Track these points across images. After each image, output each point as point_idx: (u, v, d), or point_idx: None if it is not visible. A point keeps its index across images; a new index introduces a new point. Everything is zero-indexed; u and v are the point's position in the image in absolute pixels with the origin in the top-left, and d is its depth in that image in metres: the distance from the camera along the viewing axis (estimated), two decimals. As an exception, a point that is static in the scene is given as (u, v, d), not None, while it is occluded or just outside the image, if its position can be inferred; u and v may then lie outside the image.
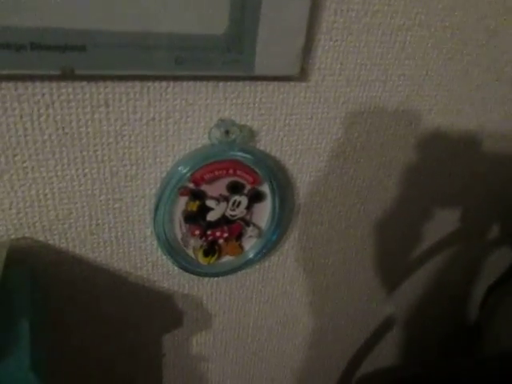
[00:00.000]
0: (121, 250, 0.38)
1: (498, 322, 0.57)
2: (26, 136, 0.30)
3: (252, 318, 0.50)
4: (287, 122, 0.38)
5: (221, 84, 0.34)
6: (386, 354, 0.65)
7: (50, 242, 0.35)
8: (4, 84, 0.28)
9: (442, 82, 0.42)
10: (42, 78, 0.29)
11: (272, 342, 0.54)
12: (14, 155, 0.31)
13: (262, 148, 0.38)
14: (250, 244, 0.41)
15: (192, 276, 0.42)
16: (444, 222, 0.53)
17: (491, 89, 0.45)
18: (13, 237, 0.34)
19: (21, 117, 0.29)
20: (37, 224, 0.34)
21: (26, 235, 0.34)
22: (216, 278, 0.44)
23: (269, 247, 0.42)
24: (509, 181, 0.53)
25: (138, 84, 0.31)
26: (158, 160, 0.35)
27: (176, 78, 0.32)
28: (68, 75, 0.28)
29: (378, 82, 0.39)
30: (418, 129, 0.44)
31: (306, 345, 0.57)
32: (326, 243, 0.48)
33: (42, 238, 0.35)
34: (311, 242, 0.47)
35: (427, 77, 0.41)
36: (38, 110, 0.30)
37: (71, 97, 0.30)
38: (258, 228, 0.40)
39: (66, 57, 0.27)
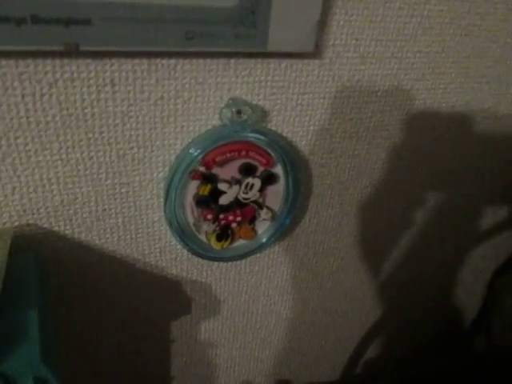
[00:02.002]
0: (128, 236, 0.37)
1: (507, 305, 0.56)
2: (28, 117, 0.29)
3: (261, 304, 0.49)
4: (299, 101, 0.36)
5: (232, 61, 0.32)
6: (394, 337, 0.64)
7: (55, 228, 0.34)
8: (4, 61, 0.26)
9: (459, 59, 0.40)
10: (45, 55, 0.27)
11: (280, 328, 0.53)
12: (16, 138, 0.29)
13: (273, 128, 0.37)
14: (264, 227, 0.40)
15: (200, 261, 0.41)
16: (454, 205, 0.52)
17: (508, 66, 0.43)
18: (16, 223, 0.32)
19: (22, 97, 0.28)
20: (41, 210, 0.33)
21: (30, 221, 0.33)
22: (225, 264, 0.43)
23: (282, 230, 0.41)
24: None
25: (145, 61, 0.30)
26: (166, 142, 0.33)
27: (185, 55, 0.30)
28: (72, 51, 0.27)
29: (393, 58, 0.37)
30: (433, 108, 0.42)
31: (314, 329, 0.56)
32: (336, 226, 0.47)
33: (46, 225, 0.33)
34: (322, 225, 0.45)
35: (443, 54, 0.39)
36: (41, 90, 0.28)
37: (75, 75, 0.28)
38: (272, 211, 0.39)
39: (69, 31, 0.25)
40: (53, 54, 0.27)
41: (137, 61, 0.29)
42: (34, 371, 0.25)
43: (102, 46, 0.27)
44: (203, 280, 0.43)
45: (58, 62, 0.27)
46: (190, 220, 0.36)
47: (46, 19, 0.25)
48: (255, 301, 0.48)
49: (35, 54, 0.27)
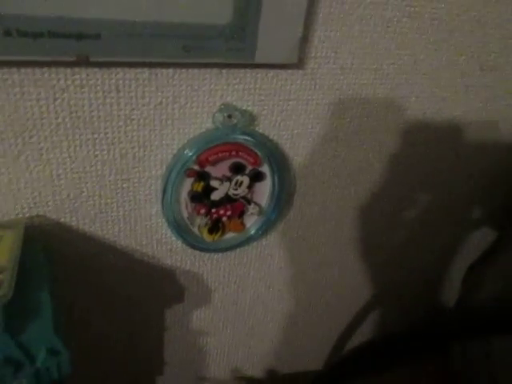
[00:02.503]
0: (128, 228, 0.40)
1: (482, 296, 0.60)
2: (42, 119, 0.32)
3: (249, 294, 0.53)
4: (285, 107, 0.40)
5: (224, 71, 0.36)
6: (376, 327, 0.68)
7: (62, 219, 0.37)
8: (23, 69, 0.30)
9: (430, 71, 0.44)
10: (58, 64, 0.30)
11: (267, 318, 0.57)
12: (31, 137, 0.33)
13: (261, 131, 0.40)
14: (252, 221, 0.44)
15: (194, 253, 0.44)
16: (428, 203, 0.56)
17: (474, 77, 0.48)
18: (27, 215, 0.36)
19: (37, 100, 0.31)
20: (50, 203, 0.36)
21: (40, 213, 0.36)
22: (216, 255, 0.46)
23: (268, 224, 0.45)
24: (490, 164, 0.56)
25: (146, 70, 0.33)
26: (164, 143, 0.37)
27: (182, 65, 0.34)
28: (83, 62, 0.30)
29: (369, 70, 0.41)
30: (406, 115, 0.46)
31: (300, 320, 0.60)
32: (319, 223, 0.50)
33: (54, 216, 0.37)
34: (306, 221, 0.49)
35: (415, 65, 0.43)
36: (54, 95, 0.32)
37: (84, 82, 0.32)
38: (259, 206, 0.43)
39: (81, 44, 0.29)
40: (65, 64, 0.30)
41: (139, 70, 0.33)
42: (48, 343, 0.29)
43: (109, 57, 0.31)
44: (196, 270, 0.47)
45: (69, 70, 0.31)
46: (185, 214, 0.40)
47: (61, 34, 0.28)
48: (244, 291, 0.52)
49: (50, 64, 0.30)
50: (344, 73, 0.41)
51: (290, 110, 0.40)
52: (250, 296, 0.53)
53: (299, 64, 0.38)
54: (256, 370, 0.62)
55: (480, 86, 0.49)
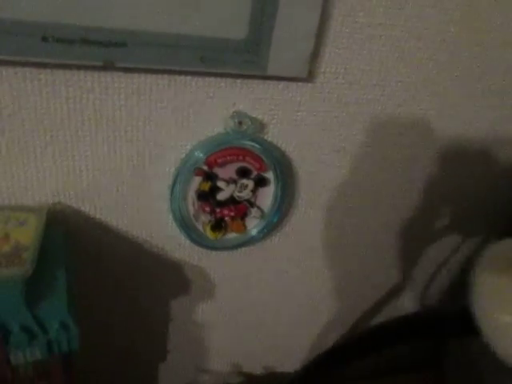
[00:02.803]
0: (140, 221, 0.43)
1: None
2: (69, 116, 0.36)
3: (251, 294, 0.55)
4: (293, 117, 0.42)
5: (238, 81, 0.38)
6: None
7: (81, 208, 0.40)
8: (55, 71, 0.33)
9: (436, 90, 0.46)
10: (87, 68, 0.34)
11: (268, 317, 0.59)
12: (58, 131, 0.36)
13: (270, 139, 0.43)
14: (253, 224, 0.47)
15: (200, 249, 0.47)
16: (433, 216, 0.58)
17: (481, 97, 0.49)
18: (50, 202, 0.39)
19: (66, 99, 0.35)
20: (71, 192, 0.39)
21: (62, 201, 0.39)
22: (221, 253, 0.49)
23: (269, 228, 0.47)
24: (495, 182, 0.57)
25: (166, 77, 0.36)
26: (178, 143, 0.40)
27: (199, 74, 0.37)
28: (109, 66, 0.33)
29: (377, 86, 0.44)
30: (413, 130, 0.48)
31: (300, 322, 0.62)
32: (323, 229, 0.53)
33: (74, 205, 0.40)
34: (310, 226, 0.52)
35: (422, 84, 0.45)
36: (81, 95, 0.35)
37: (109, 85, 0.35)
38: (261, 210, 0.46)
39: (108, 51, 0.32)
40: (93, 68, 0.34)
41: (159, 76, 0.36)
42: (60, 318, 0.32)
43: (132, 63, 0.34)
44: (202, 266, 0.49)
45: (96, 74, 0.34)
46: (191, 211, 0.43)
47: (92, 41, 0.32)
48: (247, 290, 0.54)
49: (79, 67, 0.33)
50: (352, 88, 0.43)
51: (298, 121, 0.43)
52: (253, 295, 0.55)
53: (309, 78, 0.40)
54: (255, 367, 0.65)
55: (487, 106, 0.50)
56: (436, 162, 0.52)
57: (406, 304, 0.66)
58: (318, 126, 0.44)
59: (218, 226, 0.45)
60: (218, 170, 0.41)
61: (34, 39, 0.30)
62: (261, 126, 0.42)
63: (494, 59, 0.47)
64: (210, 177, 0.41)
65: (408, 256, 0.61)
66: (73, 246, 0.41)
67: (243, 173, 0.43)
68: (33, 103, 0.34)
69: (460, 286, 0.68)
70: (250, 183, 0.43)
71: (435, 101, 0.47)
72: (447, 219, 0.59)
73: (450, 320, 0.19)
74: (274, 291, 0.56)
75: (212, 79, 0.38)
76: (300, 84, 0.41)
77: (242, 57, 0.36)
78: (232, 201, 0.44)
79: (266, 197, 0.45)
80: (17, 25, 0.29)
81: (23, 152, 0.36)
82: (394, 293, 0.64)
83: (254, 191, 0.44)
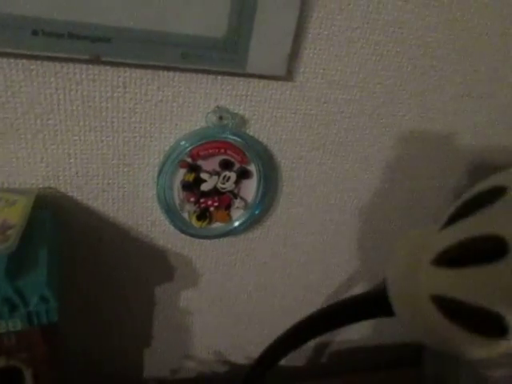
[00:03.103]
0: (126, 208, 0.46)
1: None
2: (58, 105, 0.38)
3: (234, 283, 0.57)
4: (274, 114, 0.44)
5: (219, 77, 0.41)
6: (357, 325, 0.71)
7: (69, 193, 0.43)
8: (45, 63, 0.36)
9: (415, 93, 0.48)
10: (75, 61, 0.36)
11: (251, 306, 0.61)
12: (48, 119, 0.38)
13: (251, 134, 0.45)
14: (237, 215, 0.49)
15: (185, 237, 0.49)
16: (412, 217, 0.59)
17: (463, 102, 0.51)
18: (41, 186, 0.42)
19: (56, 89, 0.37)
20: (60, 177, 0.42)
21: (51, 185, 0.42)
22: (205, 242, 0.51)
23: (252, 220, 0.49)
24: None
25: (150, 71, 0.39)
26: (162, 135, 0.42)
27: (181, 70, 0.39)
28: (95, 60, 0.36)
29: (356, 87, 0.45)
30: (393, 131, 0.50)
31: (283, 314, 0.64)
32: (304, 224, 0.54)
33: (63, 190, 0.43)
34: (291, 221, 0.54)
35: (401, 87, 0.47)
36: (70, 86, 0.37)
37: (96, 77, 0.38)
38: (245, 201, 0.48)
39: (94, 46, 0.35)
40: (81, 61, 0.36)
41: (143, 70, 0.38)
42: (40, 291, 0.34)
43: (117, 58, 0.36)
44: (185, 253, 0.52)
45: (84, 66, 0.37)
46: (176, 200, 0.45)
47: (79, 36, 0.34)
48: (230, 280, 0.56)
49: (68, 60, 0.36)
50: (331, 88, 0.45)
51: (278, 117, 0.45)
52: (236, 285, 0.57)
53: (288, 76, 0.42)
54: (238, 357, 0.67)
55: (469, 111, 0.52)
56: (417, 162, 0.53)
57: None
58: (298, 124, 0.46)
59: (203, 215, 0.47)
60: (201, 162, 0.44)
61: (24, 32, 0.33)
62: (242, 121, 0.44)
63: (474, 63, 0.48)
64: (193, 168, 0.44)
65: (389, 253, 0.62)
66: (60, 228, 0.43)
67: (226, 165, 0.45)
68: (25, 92, 0.37)
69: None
70: (233, 175, 0.46)
71: (415, 103, 0.49)
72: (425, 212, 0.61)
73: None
74: (256, 282, 0.58)
75: (194, 75, 0.40)
76: (280, 82, 0.43)
77: (221, 54, 0.38)
78: (216, 192, 0.46)
79: (249, 189, 0.47)
80: (8, 18, 0.32)
81: (15, 138, 0.39)
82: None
83: (237, 183, 0.46)
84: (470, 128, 0.53)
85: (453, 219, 0.18)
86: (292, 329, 0.32)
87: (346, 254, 0.60)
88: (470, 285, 0.16)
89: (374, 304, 0.24)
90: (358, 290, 0.65)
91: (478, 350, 0.17)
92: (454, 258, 0.17)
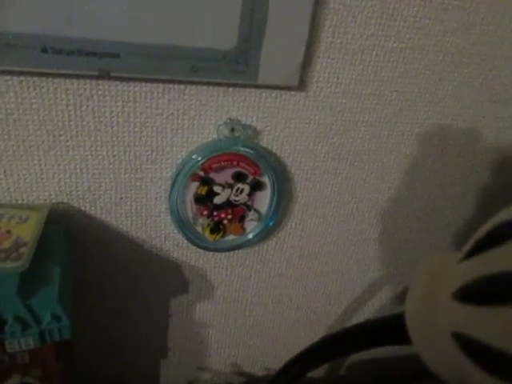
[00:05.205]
0: (139, 221, 0.46)
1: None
2: (69, 121, 0.38)
3: (249, 295, 0.56)
4: (287, 124, 0.43)
5: (230, 89, 0.40)
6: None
7: (82, 208, 0.43)
8: (56, 79, 0.36)
9: (434, 100, 0.46)
10: (85, 77, 0.36)
11: (267, 319, 0.60)
12: (60, 135, 0.38)
13: (264, 145, 0.44)
14: (251, 226, 0.48)
15: (198, 250, 0.48)
16: (432, 226, 0.58)
17: (484, 108, 0.49)
18: (53, 201, 0.42)
19: (67, 105, 0.37)
20: (73, 192, 0.42)
21: (64, 201, 0.42)
22: (219, 254, 0.50)
23: (267, 231, 0.48)
24: (496, 194, 0.56)
25: (160, 85, 0.38)
26: (174, 149, 0.42)
27: (192, 83, 0.39)
28: (105, 76, 0.35)
29: (371, 95, 0.44)
30: (410, 139, 0.48)
31: (299, 326, 0.63)
32: (320, 234, 0.53)
33: (76, 205, 0.42)
34: (306, 231, 0.52)
35: (419, 94, 0.45)
36: (80, 102, 0.37)
37: (106, 93, 0.37)
38: (258, 213, 0.47)
39: (103, 61, 0.34)
40: (90, 77, 0.36)
41: (154, 84, 0.38)
42: (52, 309, 0.34)
43: (126, 73, 0.36)
44: (200, 266, 0.51)
45: (94, 82, 0.36)
46: (189, 214, 0.44)
47: (88, 52, 0.34)
48: (245, 291, 0.56)
49: (78, 76, 0.36)
50: (346, 97, 0.43)
51: (292, 128, 0.44)
52: (251, 296, 0.57)
53: (301, 86, 0.41)
54: (255, 368, 0.66)
55: (490, 117, 0.50)
56: (435, 170, 0.52)
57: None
58: (312, 134, 0.45)
59: (217, 228, 0.46)
60: (213, 175, 0.43)
61: (34, 51, 0.33)
62: (254, 132, 0.43)
63: (494, 68, 0.46)
64: (206, 181, 0.43)
65: (408, 263, 0.60)
66: (73, 244, 0.43)
67: (239, 177, 0.44)
68: (36, 109, 0.37)
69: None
70: (246, 187, 0.45)
71: (433, 110, 0.47)
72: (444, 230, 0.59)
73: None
74: (272, 293, 0.57)
75: (205, 88, 0.39)
76: (292, 93, 0.42)
77: (232, 66, 0.37)
78: (229, 204, 0.45)
79: (263, 200, 0.46)
80: (18, 37, 0.32)
81: (28, 154, 0.39)
82: (394, 298, 0.64)
83: (250, 195, 0.45)
84: (490, 134, 0.51)
85: (475, 251, 0.17)
86: (307, 351, 0.31)
87: (363, 265, 0.59)
88: (492, 326, 0.14)
89: (393, 331, 0.23)
90: (375, 300, 0.63)
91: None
92: (476, 294, 0.16)
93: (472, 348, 0.15)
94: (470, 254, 0.17)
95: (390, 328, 0.22)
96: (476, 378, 0.15)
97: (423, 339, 0.18)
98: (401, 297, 0.64)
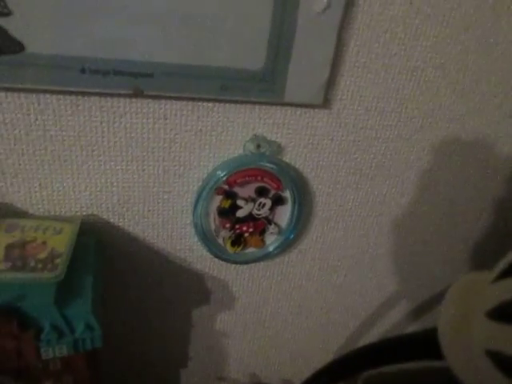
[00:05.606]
0: (165, 233, 0.47)
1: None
2: (102, 137, 0.39)
3: (270, 306, 0.57)
4: (310, 141, 0.45)
5: (256, 107, 0.41)
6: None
7: (111, 220, 0.44)
8: (92, 98, 0.37)
9: (455, 116, 0.47)
10: (119, 95, 0.38)
11: (286, 330, 0.61)
12: (93, 150, 0.40)
13: (287, 161, 0.45)
14: (271, 240, 0.49)
15: (220, 262, 0.50)
16: (451, 240, 0.58)
17: (503, 124, 0.49)
18: (84, 213, 0.43)
19: (100, 122, 0.39)
20: (103, 205, 0.43)
21: (94, 213, 0.43)
22: (240, 266, 0.51)
23: (286, 244, 0.49)
24: (509, 209, 0.57)
25: (190, 103, 0.40)
26: (201, 163, 0.43)
27: (220, 100, 0.40)
28: (139, 94, 0.37)
29: (393, 112, 0.45)
30: (431, 155, 0.49)
31: (317, 338, 0.63)
32: (340, 247, 0.54)
33: (105, 217, 0.44)
34: (327, 244, 0.53)
35: (440, 111, 0.46)
36: (114, 119, 0.39)
37: (139, 110, 0.39)
38: (279, 227, 0.48)
39: (138, 81, 0.36)
40: (124, 95, 0.38)
41: (184, 102, 0.39)
42: (86, 319, 0.35)
43: (159, 91, 0.37)
44: (222, 278, 0.52)
45: (127, 100, 0.38)
46: (212, 226, 0.46)
47: (123, 72, 0.35)
48: (265, 302, 0.56)
49: (113, 95, 0.37)
50: (368, 114, 0.45)
51: (315, 144, 0.45)
52: (271, 308, 0.57)
53: (325, 104, 0.43)
54: (273, 379, 0.66)
55: (510, 133, 0.50)
56: (454, 185, 0.52)
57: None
58: (335, 150, 0.46)
59: (238, 241, 0.48)
60: (237, 189, 0.44)
61: (73, 71, 0.34)
62: (278, 148, 0.44)
63: (515, 86, 0.47)
64: (230, 195, 0.44)
65: (427, 277, 0.61)
66: (103, 254, 0.45)
67: (261, 192, 0.45)
68: (72, 126, 0.38)
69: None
70: (268, 202, 0.46)
71: (453, 127, 0.48)
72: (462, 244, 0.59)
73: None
74: (291, 305, 0.58)
75: (232, 105, 0.41)
76: (316, 110, 0.43)
77: (260, 85, 0.39)
78: (251, 218, 0.46)
79: (284, 214, 0.48)
80: (58, 58, 0.34)
81: (62, 168, 0.40)
82: (412, 313, 0.64)
83: (271, 209, 0.46)
84: (510, 151, 0.51)
85: (506, 273, 0.18)
86: (335, 362, 0.31)
87: (383, 277, 0.59)
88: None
89: (423, 347, 0.23)
90: (395, 313, 0.63)
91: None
92: (509, 313, 0.16)
93: (506, 364, 0.16)
94: (504, 274, 0.18)
95: (421, 343, 0.23)
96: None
97: (457, 355, 0.19)
98: (418, 311, 0.65)
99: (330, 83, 0.41)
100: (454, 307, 0.20)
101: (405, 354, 0.25)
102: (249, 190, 0.44)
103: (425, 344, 0.22)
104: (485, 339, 0.18)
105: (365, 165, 0.48)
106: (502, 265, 0.18)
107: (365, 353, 0.29)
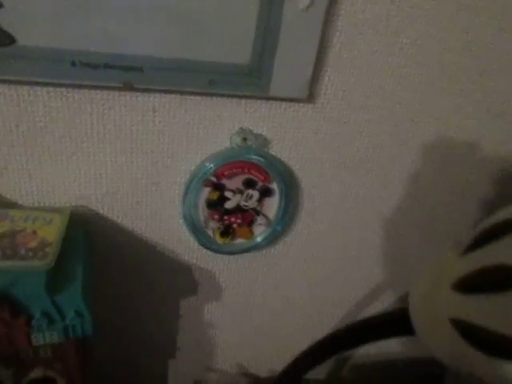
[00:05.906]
0: (153, 225, 0.48)
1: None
2: (92, 129, 0.40)
3: (256, 297, 0.58)
4: (295, 134, 0.46)
5: (243, 101, 0.42)
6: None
7: (100, 211, 0.45)
8: (81, 90, 0.38)
9: (435, 112, 0.49)
10: (109, 88, 0.38)
11: (273, 320, 0.62)
12: (82, 142, 0.41)
13: (273, 153, 0.47)
14: (259, 231, 0.50)
15: (208, 252, 0.51)
16: (433, 233, 0.60)
17: (483, 120, 0.51)
18: (73, 204, 0.44)
19: (90, 114, 0.40)
20: (92, 196, 0.44)
21: (84, 204, 0.44)
22: (228, 257, 0.53)
23: (274, 236, 0.50)
24: (495, 202, 0.59)
25: (178, 96, 0.41)
26: (188, 156, 0.44)
27: (208, 94, 0.41)
28: (128, 87, 0.38)
29: (375, 107, 0.47)
30: (412, 150, 0.51)
31: (304, 328, 0.65)
32: (325, 240, 0.56)
33: (94, 208, 0.45)
34: (312, 236, 0.55)
35: (421, 106, 0.48)
36: (103, 111, 0.40)
37: (128, 103, 0.40)
38: (267, 218, 0.49)
39: (127, 74, 0.37)
40: (114, 88, 0.38)
41: (172, 95, 0.40)
42: (76, 306, 0.36)
43: (148, 85, 0.38)
44: (209, 268, 0.53)
45: (116, 93, 0.39)
46: (201, 218, 0.47)
47: (113, 66, 0.36)
48: (252, 293, 0.58)
49: (102, 87, 0.38)
50: (351, 108, 0.46)
51: (300, 137, 0.46)
52: (258, 299, 0.59)
53: (310, 99, 0.44)
54: (260, 370, 0.68)
55: (488, 128, 0.52)
56: (436, 178, 0.54)
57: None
58: (319, 143, 0.47)
59: (227, 232, 0.49)
60: (225, 181, 0.45)
61: (64, 64, 0.35)
62: (264, 141, 0.45)
63: (494, 82, 0.49)
64: (218, 187, 0.45)
65: (410, 268, 0.62)
66: (92, 244, 0.46)
67: (249, 184, 0.46)
68: (61, 118, 0.39)
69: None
70: (256, 193, 0.47)
71: (434, 121, 0.50)
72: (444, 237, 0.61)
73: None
74: (278, 296, 0.59)
75: (219, 99, 0.42)
76: (301, 104, 0.44)
77: (247, 80, 0.40)
78: (239, 209, 0.48)
79: (271, 206, 0.49)
80: (50, 52, 0.34)
81: (52, 159, 0.41)
82: (396, 302, 0.66)
83: (259, 200, 0.48)
84: (489, 145, 0.53)
85: (472, 247, 0.19)
86: (315, 345, 0.33)
87: (367, 269, 0.61)
88: (486, 311, 0.17)
89: (396, 323, 0.25)
90: (379, 304, 0.65)
91: (497, 371, 0.18)
92: (472, 284, 0.18)
93: (470, 332, 0.18)
94: (469, 248, 0.20)
95: (395, 320, 0.25)
96: (473, 359, 0.17)
97: (425, 327, 0.21)
98: (402, 301, 0.66)
99: (315, 78, 0.43)
100: (422, 283, 0.22)
101: (382, 332, 0.26)
102: (236, 182, 0.45)
103: (399, 321, 0.23)
104: (450, 309, 0.19)
105: (348, 158, 0.49)
106: (468, 240, 0.20)
107: (343, 334, 0.31)
